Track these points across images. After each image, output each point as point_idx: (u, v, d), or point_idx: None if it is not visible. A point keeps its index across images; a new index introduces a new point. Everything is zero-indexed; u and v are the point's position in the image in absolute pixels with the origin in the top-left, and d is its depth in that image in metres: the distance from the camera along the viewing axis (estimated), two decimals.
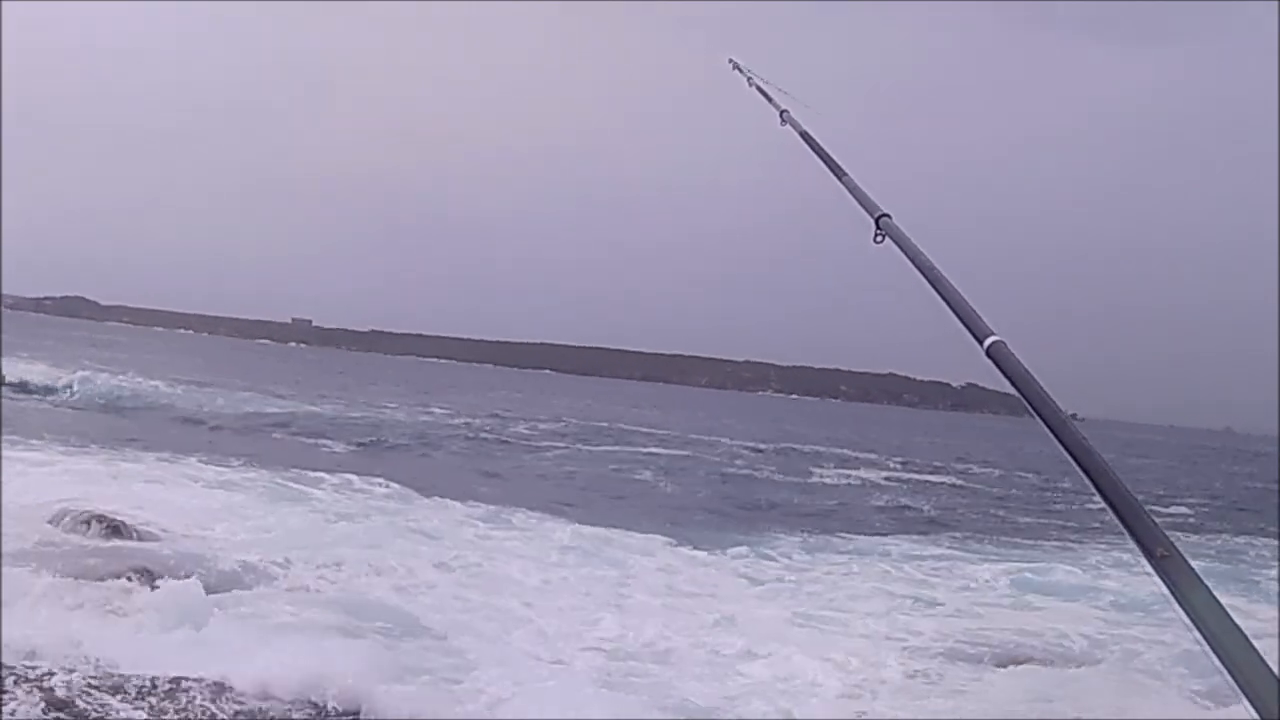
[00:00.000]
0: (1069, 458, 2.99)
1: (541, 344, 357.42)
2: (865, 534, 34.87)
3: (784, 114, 6.86)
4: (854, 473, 58.51)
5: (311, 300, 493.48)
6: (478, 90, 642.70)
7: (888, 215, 4.96)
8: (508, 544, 26.05)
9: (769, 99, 7.22)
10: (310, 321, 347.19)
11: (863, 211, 5.14)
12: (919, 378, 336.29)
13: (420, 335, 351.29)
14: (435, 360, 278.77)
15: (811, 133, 6.39)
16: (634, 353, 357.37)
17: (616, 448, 61.48)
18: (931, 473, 65.51)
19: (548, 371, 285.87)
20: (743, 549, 28.98)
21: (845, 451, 74.47)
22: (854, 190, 5.40)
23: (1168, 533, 2.61)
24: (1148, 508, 2.78)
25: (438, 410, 76.49)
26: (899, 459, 72.01)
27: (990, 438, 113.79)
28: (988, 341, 3.58)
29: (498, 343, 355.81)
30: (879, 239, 4.86)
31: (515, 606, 19.82)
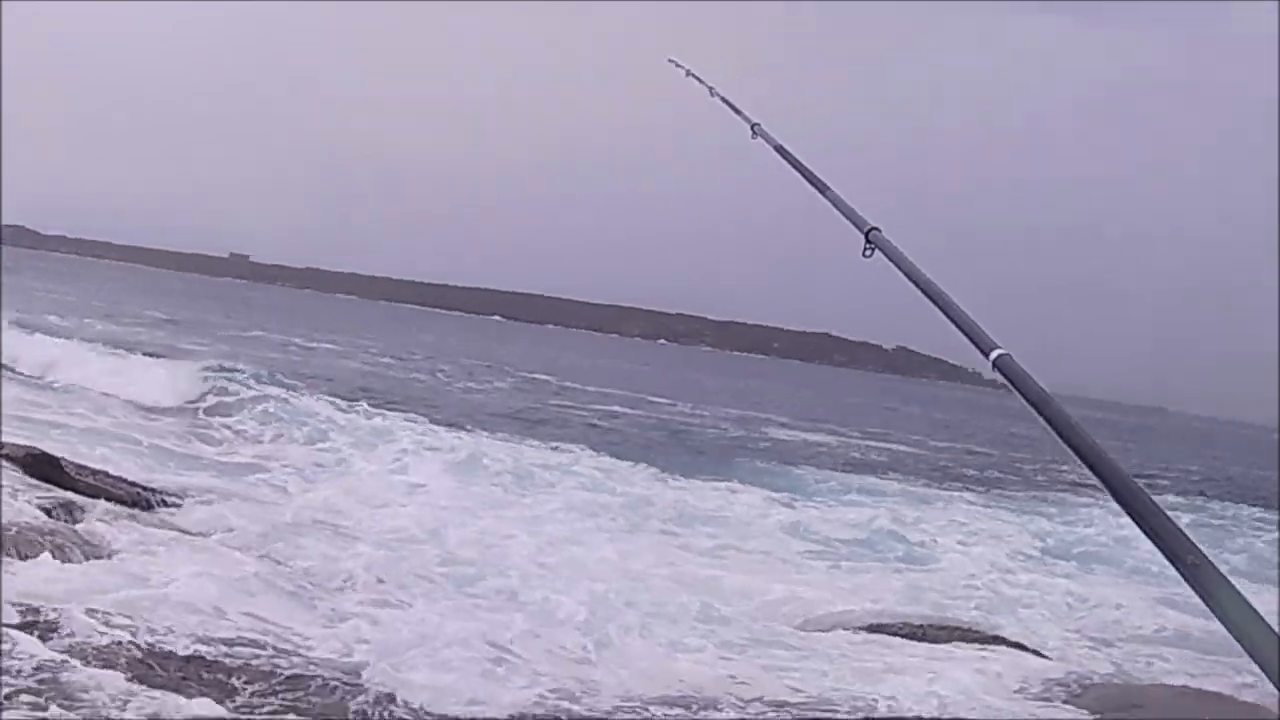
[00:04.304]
0: (1087, 469, 3.01)
1: (483, 289, 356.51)
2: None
3: (756, 127, 6.68)
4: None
5: (251, 235, 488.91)
6: (429, 36, 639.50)
7: (877, 229, 4.86)
8: None
9: (738, 112, 7.04)
10: (248, 257, 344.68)
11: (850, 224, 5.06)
12: (850, 338, 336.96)
13: (358, 275, 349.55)
14: (377, 302, 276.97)
15: (786, 146, 6.24)
16: (574, 301, 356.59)
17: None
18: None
19: (496, 318, 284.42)
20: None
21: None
22: (839, 204, 5.36)
23: None
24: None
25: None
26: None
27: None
28: (994, 355, 3.55)
29: (438, 285, 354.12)
30: (868, 253, 4.78)
31: None
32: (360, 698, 11.27)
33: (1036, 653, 17.19)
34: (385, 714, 11.01)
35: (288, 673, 11.68)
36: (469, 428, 34.91)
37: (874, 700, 13.63)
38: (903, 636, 17.21)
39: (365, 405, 34.87)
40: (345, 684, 11.63)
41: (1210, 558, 2.56)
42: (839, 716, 12.83)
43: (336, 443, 27.52)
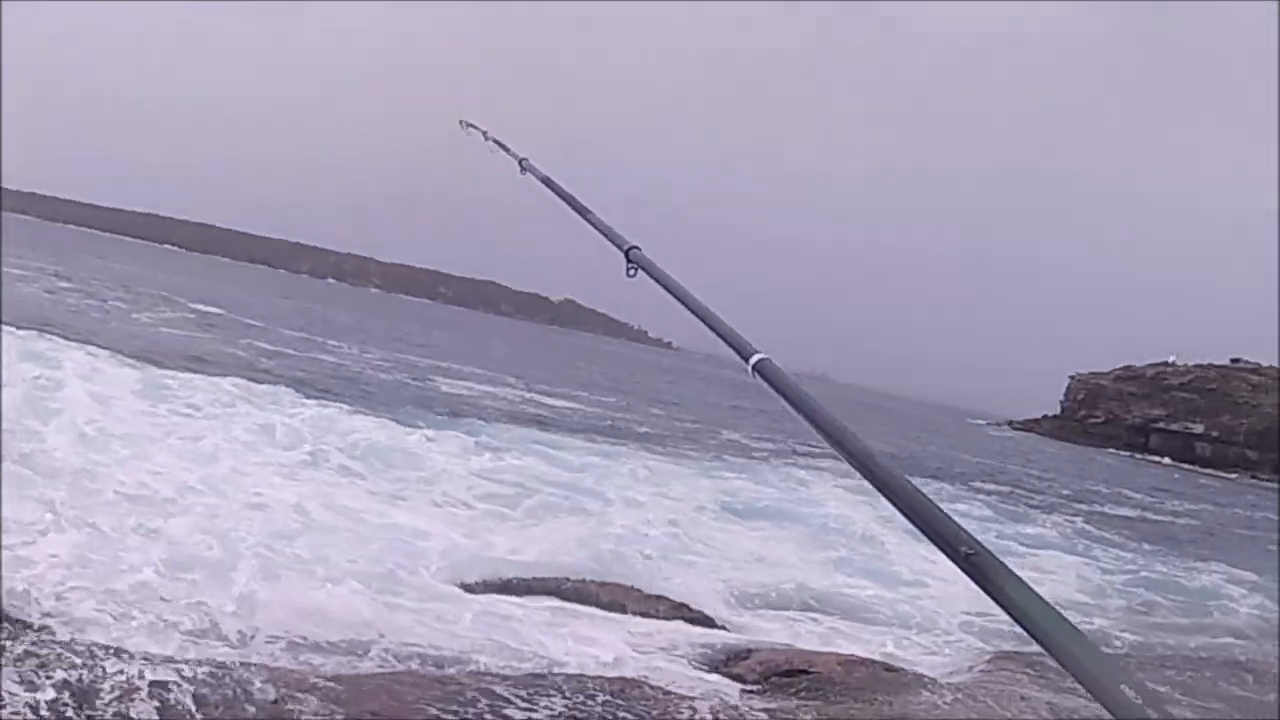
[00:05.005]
0: (854, 467, 2.98)
1: (156, 216, 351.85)
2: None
3: (523, 162, 7.06)
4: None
5: None
6: None
7: (637, 247, 5.02)
8: None
9: (506, 150, 7.47)
10: None
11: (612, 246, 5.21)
12: (517, 288, 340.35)
13: (36, 194, 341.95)
14: (54, 224, 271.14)
15: (553, 177, 6.52)
16: (245, 234, 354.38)
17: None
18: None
19: (168, 246, 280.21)
20: None
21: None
22: (600, 227, 5.56)
23: None
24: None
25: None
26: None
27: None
28: (753, 359, 3.60)
29: (112, 210, 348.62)
30: (631, 272, 4.91)
31: None
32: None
33: (702, 615, 17.35)
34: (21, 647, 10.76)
35: None
36: (139, 356, 34.32)
37: (523, 657, 13.64)
38: (563, 597, 17.23)
39: (34, 331, 33.79)
40: None
41: (987, 547, 2.53)
42: (483, 670, 12.67)
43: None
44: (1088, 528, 40.76)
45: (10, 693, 9.42)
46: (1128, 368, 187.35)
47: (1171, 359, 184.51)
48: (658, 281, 4.65)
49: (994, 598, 2.46)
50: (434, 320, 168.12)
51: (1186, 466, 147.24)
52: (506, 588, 17.18)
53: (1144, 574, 30.97)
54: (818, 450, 46.80)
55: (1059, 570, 28.96)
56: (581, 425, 44.58)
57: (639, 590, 17.79)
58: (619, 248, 5.12)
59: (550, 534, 20.96)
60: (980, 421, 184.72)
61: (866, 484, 2.83)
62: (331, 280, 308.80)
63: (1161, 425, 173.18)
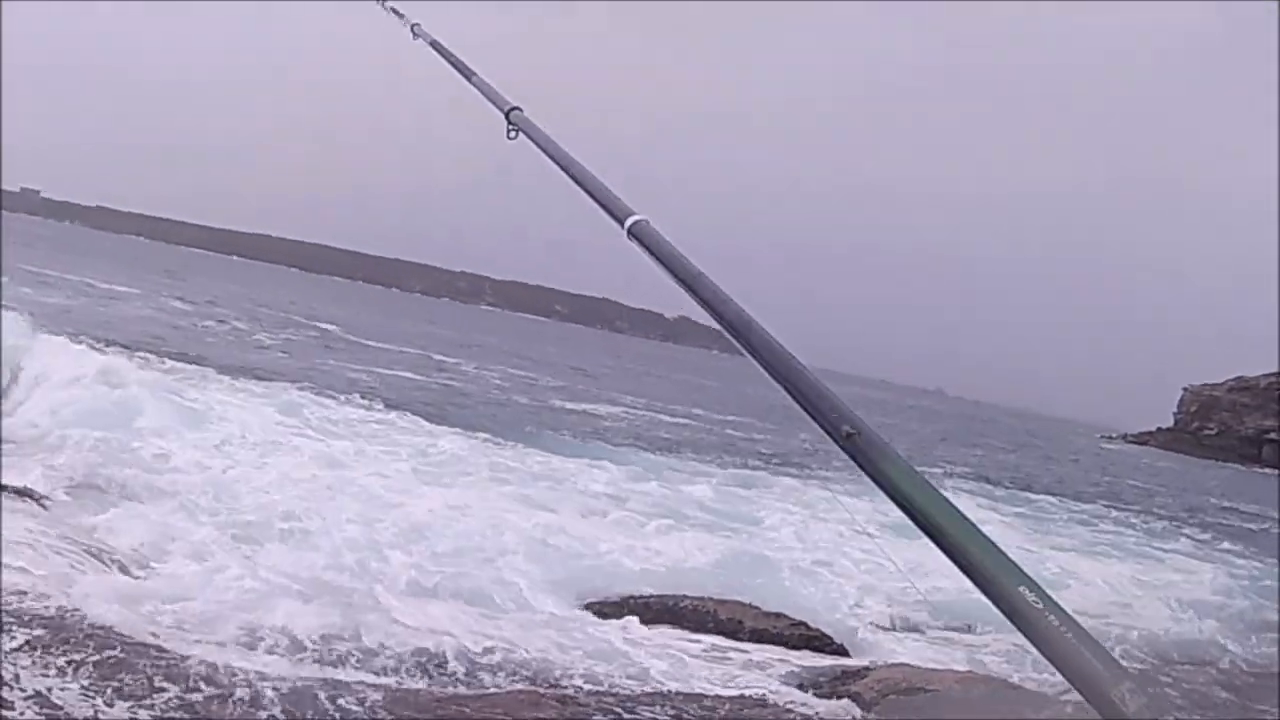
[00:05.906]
0: (732, 337, 2.95)
1: (269, 237, 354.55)
2: None
3: (415, 27, 7.05)
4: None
5: (41, 168, 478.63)
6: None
7: (519, 108, 4.94)
8: None
9: (400, 16, 7.41)
10: (39, 192, 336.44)
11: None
12: (631, 305, 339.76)
13: (145, 215, 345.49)
14: (168, 244, 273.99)
15: (443, 41, 6.52)
16: (358, 254, 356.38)
17: None
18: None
19: (283, 266, 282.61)
20: None
21: None
22: (483, 89, 5.51)
23: None
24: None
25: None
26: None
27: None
28: (629, 221, 3.48)
29: (224, 230, 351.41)
30: (512, 134, 4.83)
31: None
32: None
33: (820, 632, 17.05)
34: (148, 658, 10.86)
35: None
36: (263, 378, 34.94)
37: (641, 676, 13.54)
38: (681, 614, 17.01)
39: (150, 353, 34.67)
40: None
41: (870, 426, 2.50)
42: (600, 689, 12.59)
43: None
44: (1213, 538, 42.27)
45: (136, 698, 9.59)
46: (1240, 378, 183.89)
47: None
48: (537, 144, 4.57)
49: (873, 479, 2.41)
50: (549, 337, 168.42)
51: None
52: (626, 605, 17.09)
53: (1266, 580, 31.69)
54: (949, 467, 47.41)
55: (1191, 573, 30.39)
56: (719, 445, 44.86)
57: (757, 608, 17.54)
58: (500, 109, 5.05)
59: (677, 552, 20.81)
60: (1095, 435, 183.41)
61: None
62: (446, 299, 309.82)
63: (1274, 436, 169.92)
